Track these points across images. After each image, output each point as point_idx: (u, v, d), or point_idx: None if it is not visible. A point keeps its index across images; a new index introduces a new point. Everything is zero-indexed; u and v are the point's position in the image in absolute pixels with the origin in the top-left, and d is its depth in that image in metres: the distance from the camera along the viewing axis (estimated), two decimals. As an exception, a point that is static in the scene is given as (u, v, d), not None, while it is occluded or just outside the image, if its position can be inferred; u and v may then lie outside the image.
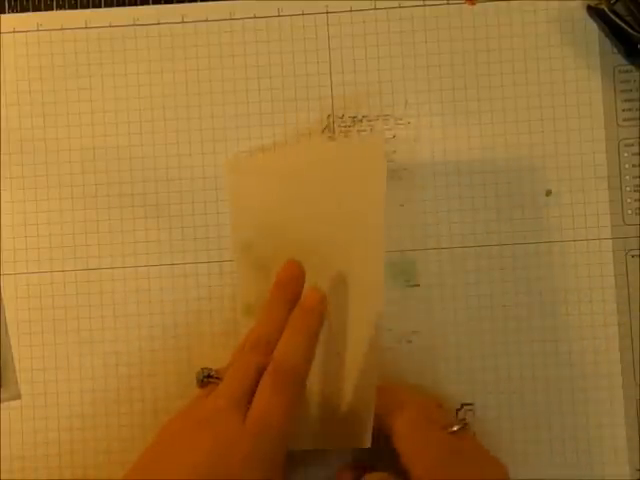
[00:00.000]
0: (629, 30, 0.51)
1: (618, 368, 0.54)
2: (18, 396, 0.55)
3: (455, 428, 0.48)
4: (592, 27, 0.55)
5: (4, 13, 0.56)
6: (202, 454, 0.41)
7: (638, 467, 0.54)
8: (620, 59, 0.55)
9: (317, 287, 0.48)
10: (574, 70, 0.55)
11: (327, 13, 0.55)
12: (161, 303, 0.55)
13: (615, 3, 0.51)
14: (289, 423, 0.43)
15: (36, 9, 0.56)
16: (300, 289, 0.48)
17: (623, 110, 0.55)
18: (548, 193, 0.55)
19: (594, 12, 0.53)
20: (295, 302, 0.47)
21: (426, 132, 0.55)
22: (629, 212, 0.55)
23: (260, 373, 0.44)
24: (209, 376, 0.46)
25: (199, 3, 0.56)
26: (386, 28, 0.55)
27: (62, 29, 0.56)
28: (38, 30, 0.56)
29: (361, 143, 0.54)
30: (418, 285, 0.55)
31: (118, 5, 0.56)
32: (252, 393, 0.44)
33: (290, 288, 0.48)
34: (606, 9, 0.52)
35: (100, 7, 0.56)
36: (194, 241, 0.55)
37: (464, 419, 0.50)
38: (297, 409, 0.44)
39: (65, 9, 0.56)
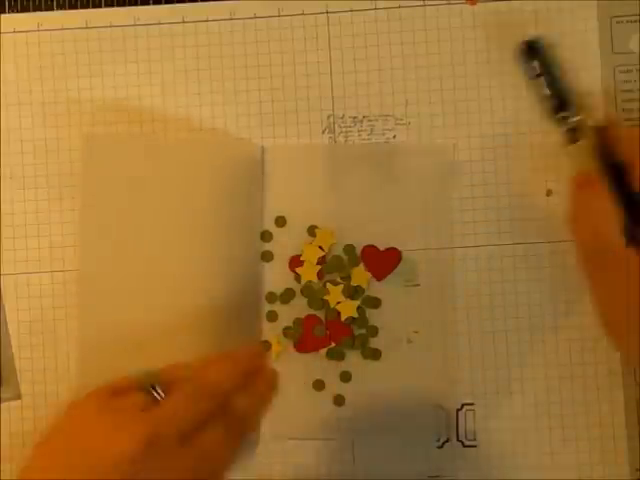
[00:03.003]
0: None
1: (618, 368, 0.54)
2: (18, 396, 0.55)
3: None
4: (592, 27, 0.55)
5: (4, 13, 0.56)
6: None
7: (638, 467, 0.54)
8: (620, 59, 0.55)
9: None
10: (574, 70, 0.55)
11: (327, 13, 0.55)
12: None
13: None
14: (228, 469, 0.44)
15: (36, 9, 0.56)
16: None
17: (623, 110, 0.55)
18: (548, 193, 0.55)
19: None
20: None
21: (426, 132, 0.55)
22: (629, 212, 0.55)
23: (207, 415, 0.44)
24: (154, 388, 0.44)
25: (199, 3, 0.56)
26: (386, 28, 0.55)
27: (62, 29, 0.56)
28: (38, 30, 0.56)
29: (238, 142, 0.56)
30: (418, 285, 0.55)
31: (118, 5, 0.56)
32: (194, 426, 0.43)
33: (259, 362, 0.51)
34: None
35: (100, 7, 0.56)
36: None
37: None
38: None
39: (65, 9, 0.56)
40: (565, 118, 0.48)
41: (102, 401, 0.43)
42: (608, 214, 0.44)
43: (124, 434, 0.40)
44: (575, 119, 0.48)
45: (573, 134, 0.48)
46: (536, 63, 0.49)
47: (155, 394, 0.44)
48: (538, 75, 0.49)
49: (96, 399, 0.43)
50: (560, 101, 0.48)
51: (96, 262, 0.55)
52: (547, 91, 0.49)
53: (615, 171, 0.46)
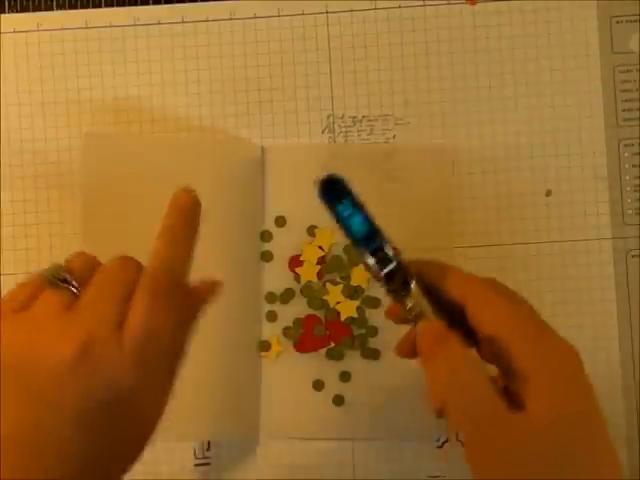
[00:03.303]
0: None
1: (618, 369, 0.54)
2: (18, 396, 0.54)
3: None
4: (592, 27, 0.55)
5: (4, 13, 0.56)
6: (82, 396, 0.34)
7: (638, 467, 0.54)
8: (620, 59, 0.55)
9: (189, 189, 0.41)
10: (574, 70, 0.55)
11: (327, 13, 0.55)
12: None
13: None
14: (178, 330, 0.37)
15: (36, 9, 0.56)
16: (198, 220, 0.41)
17: (623, 110, 0.55)
18: (548, 193, 0.55)
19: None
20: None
21: (426, 132, 0.55)
22: (629, 212, 0.55)
23: (130, 290, 0.37)
24: (64, 280, 0.37)
25: (199, 3, 0.56)
26: (386, 28, 0.55)
27: (62, 29, 0.56)
28: (38, 30, 0.56)
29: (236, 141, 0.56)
30: (418, 285, 0.55)
31: (118, 5, 0.56)
32: (124, 312, 0.36)
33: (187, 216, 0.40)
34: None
35: (100, 7, 0.56)
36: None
37: None
38: (183, 317, 0.38)
39: (65, 9, 0.56)
40: (383, 260, 0.40)
41: (9, 315, 0.36)
42: (477, 369, 0.36)
43: (54, 341, 0.35)
44: (395, 261, 0.40)
45: (395, 277, 0.40)
46: (342, 203, 0.40)
47: (72, 288, 0.37)
48: (345, 217, 0.40)
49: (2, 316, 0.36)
50: (377, 242, 0.40)
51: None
52: (359, 234, 0.40)
53: (450, 313, 0.40)
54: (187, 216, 0.40)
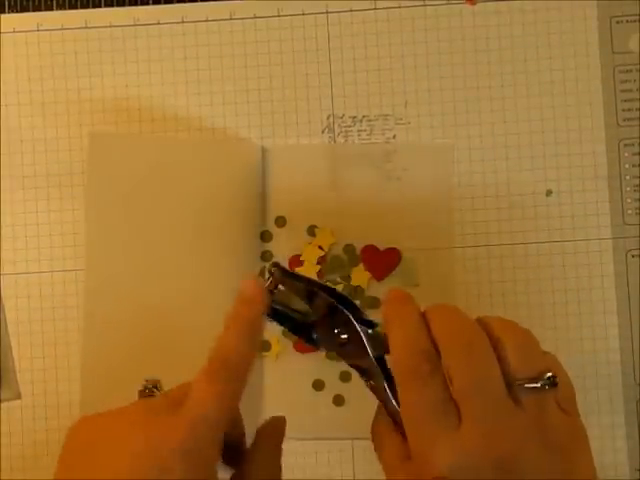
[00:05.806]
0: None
1: (618, 368, 0.54)
2: (18, 396, 0.55)
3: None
4: (592, 27, 0.55)
5: (4, 13, 0.56)
6: (135, 446, 0.37)
7: (638, 467, 0.54)
8: (620, 59, 0.55)
9: (258, 277, 0.43)
10: (574, 70, 0.55)
11: (327, 13, 0.55)
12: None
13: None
14: (226, 415, 0.39)
15: (36, 9, 0.56)
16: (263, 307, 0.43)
17: (623, 110, 0.55)
18: (548, 193, 0.55)
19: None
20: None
21: (426, 132, 0.55)
22: (629, 212, 0.55)
23: None
24: (156, 387, 0.42)
25: (199, 3, 0.56)
26: (386, 28, 0.55)
27: (62, 29, 0.56)
28: (38, 30, 0.56)
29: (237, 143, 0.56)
30: (418, 285, 0.55)
31: (118, 5, 0.56)
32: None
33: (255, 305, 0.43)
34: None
35: (100, 7, 0.56)
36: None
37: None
38: (235, 402, 0.40)
39: (65, 9, 0.56)
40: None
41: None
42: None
43: (127, 428, 0.38)
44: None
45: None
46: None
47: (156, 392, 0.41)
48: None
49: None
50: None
51: (101, 261, 0.55)
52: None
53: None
54: (256, 306, 0.42)
